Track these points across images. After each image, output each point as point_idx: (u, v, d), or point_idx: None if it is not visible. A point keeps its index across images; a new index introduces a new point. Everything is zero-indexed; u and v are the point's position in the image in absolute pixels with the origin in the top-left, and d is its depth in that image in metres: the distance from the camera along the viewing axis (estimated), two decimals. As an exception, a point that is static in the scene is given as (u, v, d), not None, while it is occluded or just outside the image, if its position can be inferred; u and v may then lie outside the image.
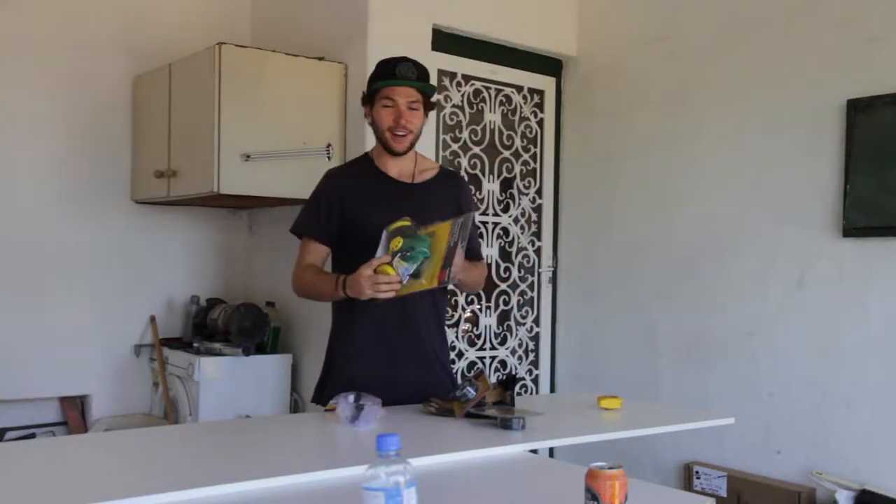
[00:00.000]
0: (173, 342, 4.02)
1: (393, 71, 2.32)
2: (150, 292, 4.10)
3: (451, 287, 2.58)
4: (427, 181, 2.45)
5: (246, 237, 4.40)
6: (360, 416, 1.98)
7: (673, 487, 3.57)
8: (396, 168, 2.42)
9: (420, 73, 2.35)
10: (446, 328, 2.62)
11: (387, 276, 2.10)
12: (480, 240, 4.16)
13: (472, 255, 2.45)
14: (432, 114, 3.85)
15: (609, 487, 1.23)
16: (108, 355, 3.99)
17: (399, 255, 2.12)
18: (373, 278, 2.11)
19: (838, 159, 3.35)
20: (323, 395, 2.38)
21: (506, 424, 1.98)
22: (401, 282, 2.11)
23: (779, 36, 3.57)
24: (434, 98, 2.45)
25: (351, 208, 2.38)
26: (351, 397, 2.02)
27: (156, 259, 4.12)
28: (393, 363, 2.36)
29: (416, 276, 2.12)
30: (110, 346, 4.00)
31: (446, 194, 2.46)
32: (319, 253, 2.43)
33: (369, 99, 2.38)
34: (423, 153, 2.56)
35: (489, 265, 4.23)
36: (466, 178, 2.68)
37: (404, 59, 2.35)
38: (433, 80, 3.88)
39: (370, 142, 3.67)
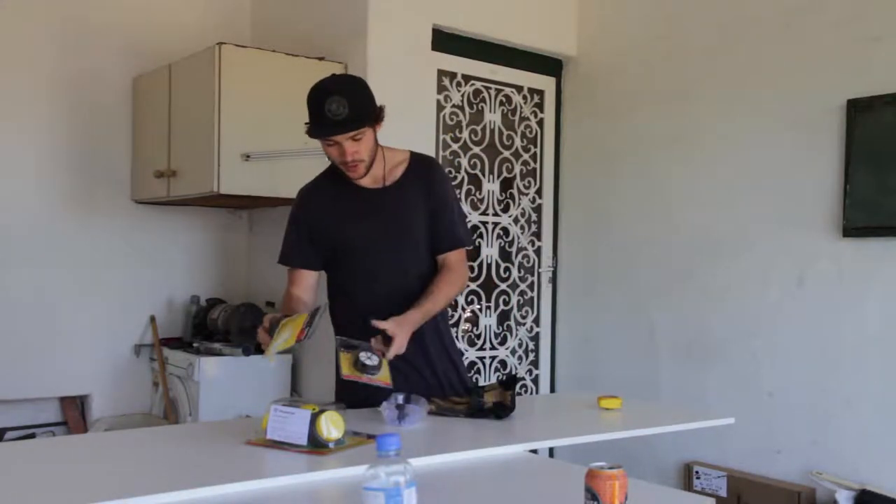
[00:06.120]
0: (173, 342, 4.02)
1: (322, 113, 2.09)
2: (150, 292, 4.10)
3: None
4: (398, 180, 2.34)
5: (246, 237, 4.40)
6: (406, 417, 2.01)
7: (673, 487, 3.57)
8: (368, 176, 2.29)
9: (352, 102, 2.10)
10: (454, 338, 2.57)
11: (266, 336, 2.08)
12: (480, 240, 4.18)
13: (452, 242, 2.36)
14: (430, 111, 3.89)
15: (609, 487, 1.23)
16: (108, 355, 3.99)
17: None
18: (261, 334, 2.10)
19: (838, 159, 3.35)
20: (343, 394, 2.38)
21: (499, 414, 2.04)
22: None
23: (779, 36, 3.57)
24: (380, 105, 2.21)
25: (327, 227, 2.33)
26: (399, 398, 2.05)
27: (156, 259, 4.12)
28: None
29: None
30: (110, 346, 4.00)
31: (417, 186, 2.34)
32: (301, 280, 2.37)
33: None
34: (423, 152, 2.51)
35: (489, 265, 4.23)
36: (440, 163, 2.57)
37: (333, 93, 2.10)
38: (433, 81, 3.91)
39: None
